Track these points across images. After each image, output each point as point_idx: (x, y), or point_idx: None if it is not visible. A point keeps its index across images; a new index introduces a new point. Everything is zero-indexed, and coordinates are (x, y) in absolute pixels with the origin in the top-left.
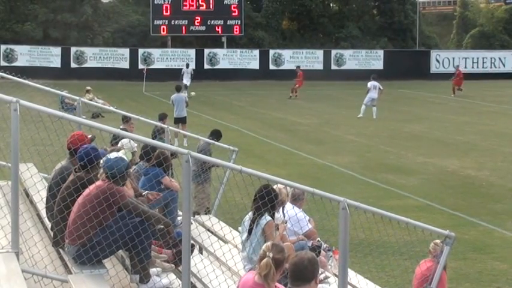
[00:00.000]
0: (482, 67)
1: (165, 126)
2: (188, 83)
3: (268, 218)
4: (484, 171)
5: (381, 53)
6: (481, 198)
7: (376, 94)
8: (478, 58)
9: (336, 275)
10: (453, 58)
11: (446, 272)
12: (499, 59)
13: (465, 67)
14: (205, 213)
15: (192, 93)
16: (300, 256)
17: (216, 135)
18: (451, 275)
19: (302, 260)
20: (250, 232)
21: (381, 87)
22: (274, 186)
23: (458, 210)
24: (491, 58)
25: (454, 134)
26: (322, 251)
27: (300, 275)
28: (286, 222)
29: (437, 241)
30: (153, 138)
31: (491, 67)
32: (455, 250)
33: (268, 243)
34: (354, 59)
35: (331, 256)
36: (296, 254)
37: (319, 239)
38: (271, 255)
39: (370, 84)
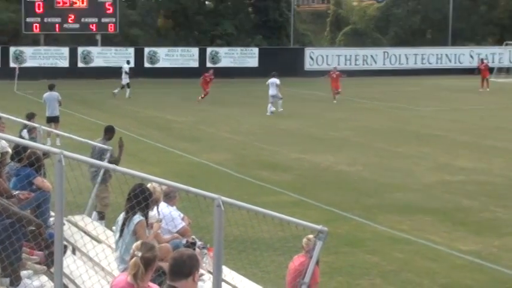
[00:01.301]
0: (355, 64)
1: (36, 125)
2: (125, 82)
3: (140, 217)
4: (357, 167)
5: (256, 50)
6: (354, 193)
7: (274, 91)
8: (350, 55)
9: (210, 272)
10: (327, 55)
11: (319, 266)
12: (371, 56)
13: (338, 64)
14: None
15: (115, 91)
16: (181, 251)
17: (108, 131)
18: (324, 269)
19: (181, 255)
20: (122, 232)
21: (278, 83)
22: (149, 185)
23: (331, 205)
24: (363, 55)
25: (328, 130)
26: (197, 249)
27: (178, 270)
28: (160, 221)
29: (310, 236)
30: (19, 137)
31: (363, 64)
32: (328, 244)
33: (138, 243)
34: (229, 56)
35: (205, 253)
36: (177, 250)
37: (193, 236)
38: (139, 254)
39: (269, 81)
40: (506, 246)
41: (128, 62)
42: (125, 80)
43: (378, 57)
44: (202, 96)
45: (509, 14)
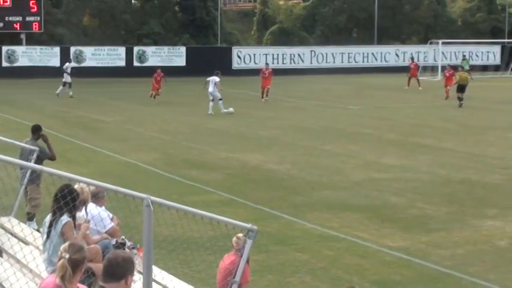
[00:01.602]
0: (282, 63)
1: None
2: (67, 80)
3: (67, 218)
4: (285, 165)
5: (183, 49)
6: (283, 191)
7: (211, 88)
8: (278, 54)
9: (140, 272)
10: (254, 54)
11: (250, 264)
12: (298, 55)
13: (266, 63)
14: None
15: (58, 91)
16: (116, 253)
17: (36, 131)
18: (254, 268)
19: (117, 257)
20: (49, 233)
21: (217, 81)
22: (77, 186)
23: (260, 204)
24: (290, 54)
25: (257, 129)
26: (126, 249)
27: (111, 271)
28: (88, 222)
29: (240, 235)
30: None
31: (290, 63)
32: (258, 243)
33: (65, 244)
34: (156, 55)
35: (135, 254)
36: (114, 252)
37: (123, 237)
38: (67, 256)
39: (209, 78)
40: (433, 242)
41: (70, 61)
42: (66, 78)
43: (305, 56)
44: (153, 94)
45: (433, 13)
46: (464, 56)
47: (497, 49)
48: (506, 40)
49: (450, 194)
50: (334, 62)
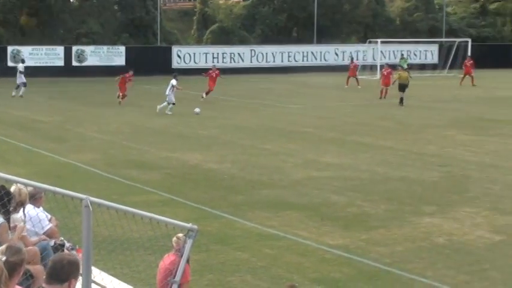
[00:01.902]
0: (223, 62)
1: None
2: (20, 81)
3: (1, 219)
4: (226, 164)
5: (122, 49)
6: (223, 190)
7: (167, 91)
8: (218, 53)
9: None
10: (194, 54)
11: (190, 264)
12: (238, 54)
13: (206, 62)
14: None
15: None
16: (62, 255)
17: None
18: (195, 267)
19: (62, 260)
20: None
21: (173, 84)
22: (13, 187)
23: (201, 203)
24: (230, 53)
25: (196, 129)
26: (65, 250)
27: (55, 273)
28: (24, 223)
29: (180, 235)
30: None
31: (231, 62)
32: (199, 242)
33: (3, 246)
34: (95, 55)
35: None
36: (60, 253)
37: (62, 238)
38: (3, 258)
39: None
40: (373, 240)
41: (23, 61)
42: (20, 79)
43: (245, 55)
44: (120, 96)
45: (372, 12)
46: (402, 54)
47: (434, 48)
48: (443, 39)
49: (389, 192)
50: (274, 61)
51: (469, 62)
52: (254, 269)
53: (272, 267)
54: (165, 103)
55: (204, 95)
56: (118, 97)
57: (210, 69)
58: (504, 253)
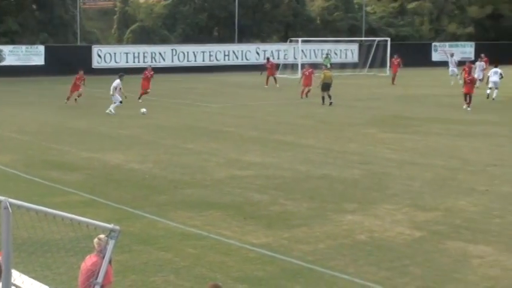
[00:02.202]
0: (144, 62)
1: None
2: None
3: None
4: (147, 164)
5: (41, 48)
6: (145, 190)
7: (111, 91)
8: (139, 53)
9: None
10: (115, 53)
11: (112, 265)
12: (159, 53)
13: (126, 62)
14: None
15: None
16: None
17: None
18: (118, 268)
19: None
20: None
21: (115, 85)
22: None
23: (123, 204)
24: (151, 53)
25: (118, 129)
26: None
27: None
28: None
29: (102, 236)
30: None
31: (152, 61)
32: (121, 243)
33: None
34: (13, 54)
35: None
36: None
37: None
38: None
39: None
40: (295, 238)
41: None
42: None
43: (167, 54)
44: (70, 97)
45: (292, 11)
46: (327, 53)
47: (354, 47)
48: (363, 38)
49: (311, 190)
50: (195, 61)
51: (396, 61)
52: (177, 269)
53: (195, 267)
54: (117, 104)
55: (140, 98)
56: (68, 99)
57: (146, 69)
58: (424, 249)
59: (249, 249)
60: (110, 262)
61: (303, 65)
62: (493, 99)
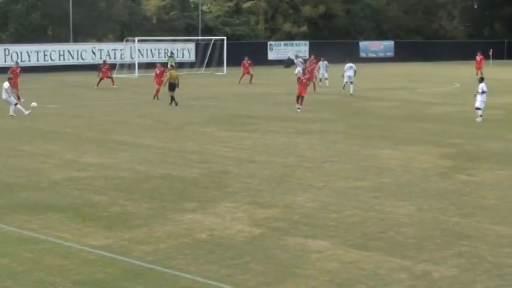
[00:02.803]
0: None
1: None
2: None
3: None
4: None
5: None
6: None
7: (3, 96)
8: None
9: None
10: None
11: None
12: None
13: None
14: None
15: None
16: None
17: None
18: None
19: None
20: None
21: (5, 88)
22: None
23: None
24: None
25: None
26: None
27: None
28: None
29: None
30: None
31: None
32: None
33: None
34: None
35: None
36: None
37: None
38: None
39: None
40: (136, 239)
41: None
42: None
43: None
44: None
45: (128, 10)
46: (171, 52)
47: (191, 46)
48: (200, 37)
49: (151, 190)
50: (29, 61)
51: (247, 62)
52: (15, 274)
53: (34, 271)
54: (13, 106)
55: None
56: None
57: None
58: (264, 246)
59: (88, 251)
60: None
61: (140, 64)
62: (351, 94)
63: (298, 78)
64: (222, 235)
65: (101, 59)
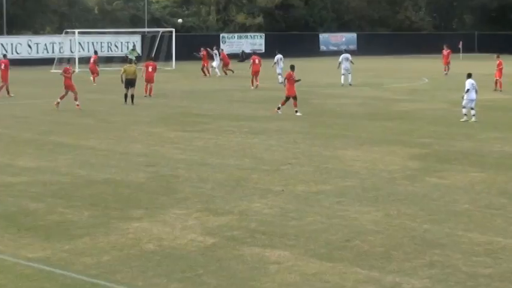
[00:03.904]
0: None
1: None
2: None
3: None
4: None
5: None
6: None
7: None
8: None
9: None
10: None
11: None
12: None
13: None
14: None
15: None
16: None
17: None
18: None
19: None
20: None
21: None
22: None
23: None
24: None
25: None
26: None
27: None
28: None
29: None
30: None
31: None
32: None
33: None
34: None
35: None
36: None
37: None
38: None
39: None
40: (76, 250)
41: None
42: None
43: None
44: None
45: (67, 1)
46: (133, 45)
47: (137, 39)
48: (146, 29)
49: (93, 196)
50: None
51: (204, 54)
52: None
53: None
54: None
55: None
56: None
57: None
58: (218, 256)
59: (24, 264)
60: None
61: (81, 58)
62: (350, 84)
63: (288, 76)
64: (172, 245)
65: (37, 53)
